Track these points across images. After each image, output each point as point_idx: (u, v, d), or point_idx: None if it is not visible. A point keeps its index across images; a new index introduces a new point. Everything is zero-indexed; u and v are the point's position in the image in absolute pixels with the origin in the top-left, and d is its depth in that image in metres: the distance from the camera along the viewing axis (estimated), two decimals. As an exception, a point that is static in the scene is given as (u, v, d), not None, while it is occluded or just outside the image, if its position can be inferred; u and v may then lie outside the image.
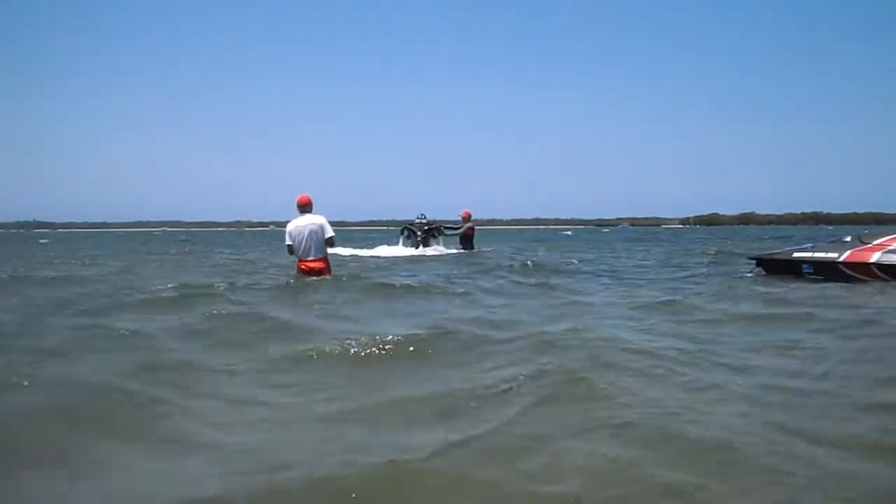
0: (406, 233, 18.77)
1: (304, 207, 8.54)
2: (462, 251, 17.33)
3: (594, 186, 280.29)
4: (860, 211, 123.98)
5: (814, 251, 9.82)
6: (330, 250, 8.77)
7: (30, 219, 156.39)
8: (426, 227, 18.25)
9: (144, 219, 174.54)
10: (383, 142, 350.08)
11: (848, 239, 9.68)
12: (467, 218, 18.09)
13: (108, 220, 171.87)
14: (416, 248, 17.90)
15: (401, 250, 18.00)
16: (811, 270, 9.50)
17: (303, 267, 8.57)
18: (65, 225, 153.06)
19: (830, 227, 68.06)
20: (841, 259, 9.22)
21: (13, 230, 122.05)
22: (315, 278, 8.50)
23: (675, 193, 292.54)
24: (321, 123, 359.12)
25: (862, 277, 8.97)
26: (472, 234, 18.06)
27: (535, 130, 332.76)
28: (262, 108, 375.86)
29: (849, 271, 9.12)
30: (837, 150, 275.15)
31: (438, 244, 18.20)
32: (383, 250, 18.22)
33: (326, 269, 8.70)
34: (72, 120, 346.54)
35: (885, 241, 9.17)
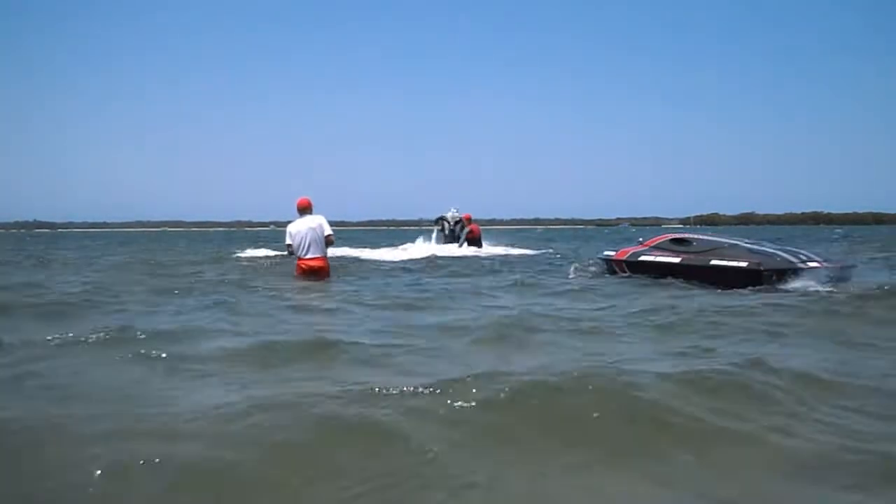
0: (440, 224, 19.36)
1: (304, 210, 8.81)
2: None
3: (594, 186, 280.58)
4: (860, 211, 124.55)
5: (610, 251, 10.70)
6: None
7: (30, 219, 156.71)
8: (458, 221, 18.95)
9: (145, 219, 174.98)
10: (383, 142, 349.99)
11: (641, 239, 10.42)
12: (469, 220, 18.86)
13: (108, 220, 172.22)
14: (459, 244, 18.16)
15: (448, 248, 17.75)
16: (606, 268, 10.50)
17: (303, 265, 8.82)
18: (65, 225, 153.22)
19: (839, 228, 66.46)
20: (612, 257, 10.25)
21: (13, 230, 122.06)
22: (318, 279, 8.74)
23: (675, 193, 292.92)
24: (321, 124, 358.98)
25: (621, 274, 9.87)
26: (479, 234, 18.66)
27: (535, 131, 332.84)
28: (262, 109, 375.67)
29: (615, 268, 10.09)
30: (837, 150, 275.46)
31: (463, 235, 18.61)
32: (433, 248, 18.03)
33: (326, 268, 8.96)
34: (72, 121, 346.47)
35: (648, 241, 10.03)
